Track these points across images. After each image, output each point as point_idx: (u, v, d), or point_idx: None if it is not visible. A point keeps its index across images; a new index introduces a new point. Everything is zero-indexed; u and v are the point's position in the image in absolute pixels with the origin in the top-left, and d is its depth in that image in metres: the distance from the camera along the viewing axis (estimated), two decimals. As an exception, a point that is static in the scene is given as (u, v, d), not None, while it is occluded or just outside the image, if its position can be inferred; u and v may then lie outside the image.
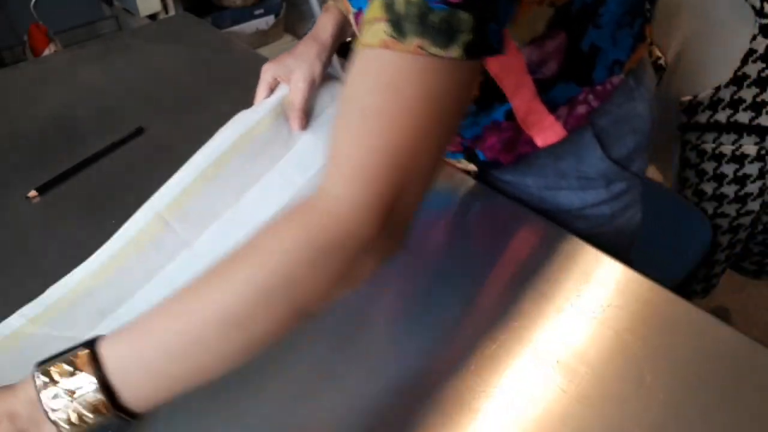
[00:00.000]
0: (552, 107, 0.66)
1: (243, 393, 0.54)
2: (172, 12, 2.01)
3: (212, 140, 0.75)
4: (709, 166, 1.12)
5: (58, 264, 0.65)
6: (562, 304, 0.61)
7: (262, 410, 0.53)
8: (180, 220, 0.69)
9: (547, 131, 0.67)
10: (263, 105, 0.78)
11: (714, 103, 1.06)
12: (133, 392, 0.40)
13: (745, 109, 1.04)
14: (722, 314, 1.48)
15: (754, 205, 1.12)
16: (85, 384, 0.40)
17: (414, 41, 0.41)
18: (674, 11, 1.08)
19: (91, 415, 0.40)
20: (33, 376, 0.41)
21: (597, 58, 0.65)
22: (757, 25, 0.96)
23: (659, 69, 1.13)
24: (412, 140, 0.42)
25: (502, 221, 0.73)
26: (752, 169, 1.07)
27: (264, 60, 0.95)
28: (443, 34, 0.41)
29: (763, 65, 0.99)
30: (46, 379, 0.40)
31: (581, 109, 0.67)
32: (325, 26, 0.81)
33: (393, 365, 0.57)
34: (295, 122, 0.77)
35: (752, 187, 1.09)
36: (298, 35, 2.39)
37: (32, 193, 0.75)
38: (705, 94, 1.07)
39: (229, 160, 0.74)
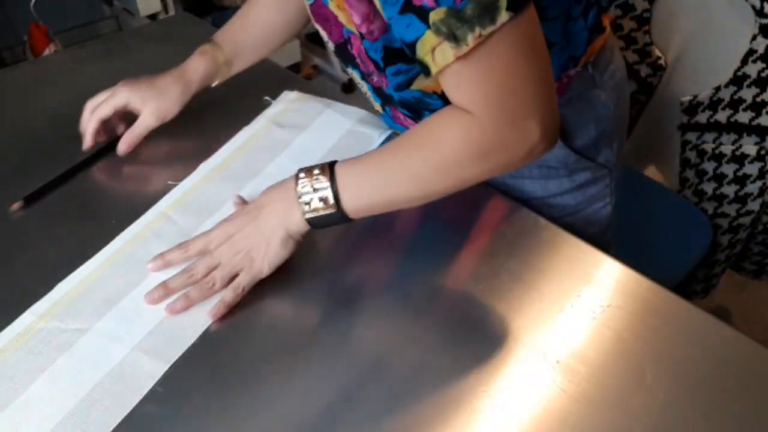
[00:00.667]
0: None
1: (241, 393, 0.55)
2: (172, 12, 2.01)
3: (213, 156, 0.80)
4: (709, 166, 1.12)
5: (59, 263, 0.65)
6: (562, 304, 0.61)
7: (259, 407, 0.53)
8: (181, 214, 0.72)
9: None
10: (256, 121, 0.86)
11: (714, 103, 1.06)
12: (350, 200, 0.59)
13: (745, 109, 1.04)
14: (722, 314, 1.48)
15: (754, 205, 1.12)
16: (323, 185, 0.59)
17: (471, 38, 0.49)
18: (674, 11, 1.08)
19: (322, 206, 0.59)
20: (295, 176, 0.60)
21: (549, 54, 0.65)
22: (757, 25, 0.96)
23: (659, 69, 1.13)
24: (522, 81, 0.53)
25: (500, 219, 0.73)
26: (752, 169, 1.07)
27: (263, 60, 0.95)
28: (485, 15, 0.48)
29: (763, 65, 0.99)
30: (302, 177, 0.60)
31: None
32: (196, 69, 0.80)
33: (392, 365, 0.57)
34: (122, 144, 0.78)
35: (752, 187, 1.09)
36: (299, 35, 2.39)
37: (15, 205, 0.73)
38: (705, 94, 1.07)
39: (229, 165, 0.79)
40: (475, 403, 0.53)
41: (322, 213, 0.59)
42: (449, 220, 0.72)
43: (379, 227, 0.72)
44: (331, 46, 0.72)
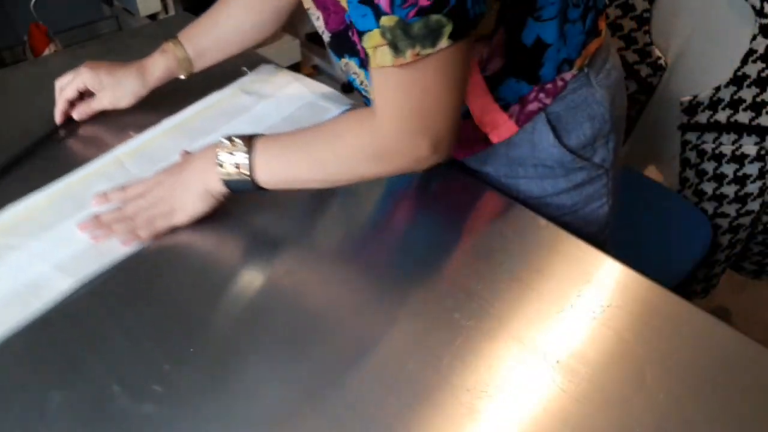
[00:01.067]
0: (504, 106, 0.68)
1: (243, 393, 0.55)
2: (172, 12, 2.01)
3: (178, 114, 0.86)
4: (709, 166, 1.12)
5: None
6: (562, 304, 0.61)
7: (259, 407, 0.54)
8: (133, 161, 0.79)
9: (501, 128, 0.70)
10: (228, 88, 0.91)
11: (714, 103, 1.07)
12: (262, 171, 0.64)
13: (745, 109, 1.04)
14: (722, 314, 1.48)
15: (754, 205, 1.12)
16: (240, 153, 0.64)
17: (410, 53, 0.52)
18: (674, 11, 1.08)
19: (235, 171, 0.64)
20: (218, 142, 0.65)
21: (545, 55, 0.66)
22: (757, 25, 0.96)
23: (659, 69, 1.14)
24: (432, 102, 0.56)
25: (499, 219, 0.73)
26: (752, 169, 1.08)
27: (264, 60, 0.96)
28: (429, 37, 0.51)
29: (763, 65, 0.99)
30: (224, 142, 0.65)
31: (532, 107, 0.69)
32: (154, 67, 0.84)
33: (391, 364, 0.57)
34: (77, 113, 0.85)
35: (752, 187, 1.09)
36: (298, 35, 2.39)
37: None
38: (705, 94, 1.07)
39: (189, 123, 0.85)
40: (475, 402, 0.53)
41: (235, 177, 0.65)
42: (448, 220, 0.72)
43: (378, 226, 0.72)
44: (326, 37, 0.71)
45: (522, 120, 0.69)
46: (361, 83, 0.76)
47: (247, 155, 0.63)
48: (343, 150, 0.62)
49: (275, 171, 0.65)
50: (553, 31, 0.65)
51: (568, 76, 0.68)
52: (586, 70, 0.69)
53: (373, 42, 0.54)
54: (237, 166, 0.64)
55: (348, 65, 0.73)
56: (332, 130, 0.64)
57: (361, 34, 0.55)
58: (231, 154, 0.64)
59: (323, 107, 0.88)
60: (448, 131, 0.59)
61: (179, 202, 0.68)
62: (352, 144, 0.62)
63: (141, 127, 0.84)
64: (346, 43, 0.70)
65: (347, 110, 0.86)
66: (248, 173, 0.64)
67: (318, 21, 0.71)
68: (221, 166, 0.64)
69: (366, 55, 0.56)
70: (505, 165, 0.74)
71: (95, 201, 0.71)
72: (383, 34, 0.52)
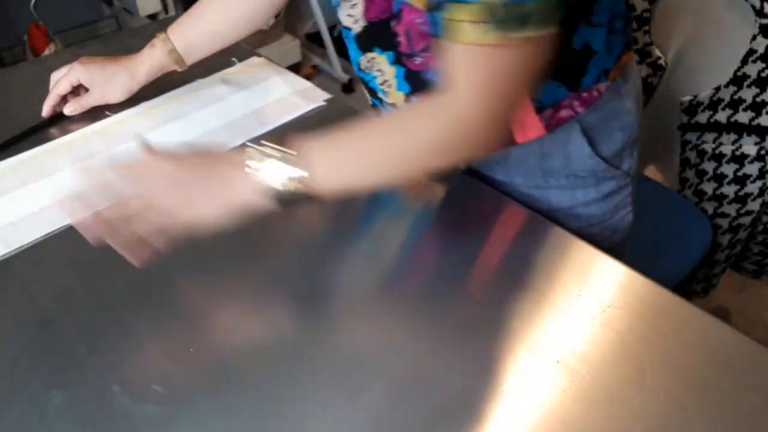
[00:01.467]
0: (539, 109, 0.67)
1: (245, 394, 0.55)
2: (172, 12, 2.01)
3: (156, 98, 0.89)
4: (709, 166, 1.12)
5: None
6: (562, 304, 0.61)
7: (259, 407, 0.54)
8: (99, 141, 0.81)
9: (528, 129, 0.69)
10: (210, 77, 0.93)
11: (714, 103, 1.07)
12: (324, 179, 0.56)
13: (745, 109, 1.04)
14: (722, 314, 1.48)
15: (754, 205, 1.12)
16: (295, 165, 0.56)
17: (516, 34, 0.49)
18: (674, 11, 1.08)
19: (286, 183, 0.56)
20: (251, 150, 0.57)
21: (590, 62, 0.66)
22: (757, 25, 0.96)
23: (659, 69, 1.14)
24: (512, 88, 0.55)
25: (500, 221, 0.73)
26: (752, 169, 1.08)
27: (257, 55, 0.95)
28: (541, 21, 0.49)
29: (763, 65, 0.99)
30: (267, 152, 0.56)
31: (564, 113, 0.68)
32: (141, 63, 0.84)
33: (392, 365, 0.57)
34: (68, 108, 0.85)
35: (752, 187, 1.09)
36: (298, 35, 2.39)
37: None
38: (705, 94, 1.07)
39: (163, 106, 0.88)
40: (475, 402, 0.53)
41: (288, 190, 0.56)
42: (448, 221, 0.72)
43: (379, 227, 0.72)
44: (359, 27, 0.67)
45: (552, 125, 0.68)
46: (383, 83, 0.71)
47: (304, 166, 0.56)
48: (414, 144, 0.57)
49: (339, 179, 0.58)
50: (601, 39, 0.64)
51: (602, 87, 0.67)
52: (618, 80, 0.69)
53: (465, 15, 0.49)
54: (291, 178, 0.56)
55: (373, 61, 0.69)
56: (398, 126, 0.58)
57: (445, 3, 0.50)
58: (281, 165, 0.56)
59: (293, 103, 0.89)
60: (510, 119, 0.60)
61: (197, 210, 0.57)
62: (423, 136, 0.57)
63: (121, 109, 0.86)
64: (381, 34, 0.66)
65: (320, 107, 0.87)
66: (308, 185, 0.56)
67: (354, 9, 0.66)
68: (266, 177, 0.56)
69: (436, 32, 0.53)
70: (538, 176, 0.73)
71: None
72: (490, 11, 0.48)
